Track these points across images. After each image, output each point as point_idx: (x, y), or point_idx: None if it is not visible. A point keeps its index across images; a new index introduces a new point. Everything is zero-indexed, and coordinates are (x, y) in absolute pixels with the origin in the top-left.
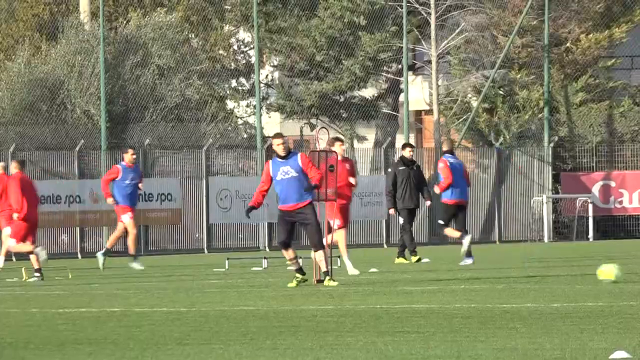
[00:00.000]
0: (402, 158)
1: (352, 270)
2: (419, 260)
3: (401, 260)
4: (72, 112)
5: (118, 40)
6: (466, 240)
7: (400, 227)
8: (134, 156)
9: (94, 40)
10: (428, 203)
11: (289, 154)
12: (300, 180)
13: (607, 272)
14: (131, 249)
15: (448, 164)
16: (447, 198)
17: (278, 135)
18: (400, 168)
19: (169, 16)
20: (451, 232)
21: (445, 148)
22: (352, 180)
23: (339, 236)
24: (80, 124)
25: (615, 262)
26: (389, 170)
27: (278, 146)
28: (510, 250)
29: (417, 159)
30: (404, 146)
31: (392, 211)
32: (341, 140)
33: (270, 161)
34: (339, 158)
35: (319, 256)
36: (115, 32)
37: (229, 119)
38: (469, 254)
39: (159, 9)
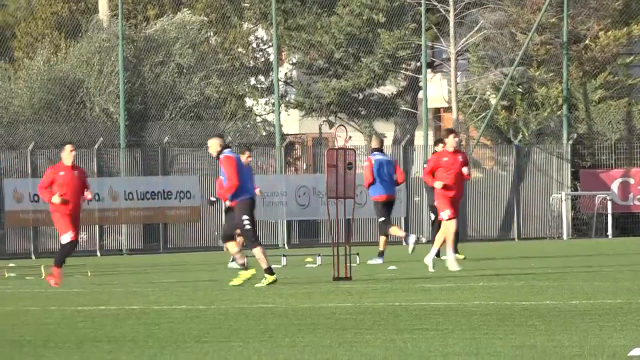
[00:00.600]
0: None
1: (453, 266)
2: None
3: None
4: (91, 111)
5: (138, 38)
6: (411, 240)
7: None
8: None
9: (114, 39)
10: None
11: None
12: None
13: None
14: None
15: (373, 161)
16: (376, 194)
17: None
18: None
19: (193, 16)
20: (396, 231)
21: (374, 145)
22: (464, 170)
23: (449, 227)
24: (99, 122)
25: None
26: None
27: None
28: (529, 248)
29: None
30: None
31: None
32: (455, 133)
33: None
34: (451, 150)
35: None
36: (135, 29)
37: (248, 116)
38: (381, 254)
39: (184, 9)
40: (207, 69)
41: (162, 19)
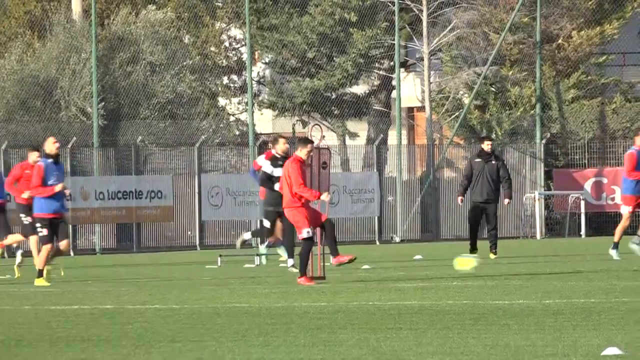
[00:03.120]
0: (480, 150)
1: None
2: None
3: (490, 255)
4: (65, 110)
5: (108, 37)
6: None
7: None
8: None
9: (85, 37)
10: (506, 201)
11: None
12: None
13: (465, 262)
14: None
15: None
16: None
17: None
18: (476, 160)
19: (159, 12)
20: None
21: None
22: None
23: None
24: (74, 121)
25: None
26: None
27: None
28: (502, 247)
29: (409, 156)
30: (482, 139)
31: (459, 199)
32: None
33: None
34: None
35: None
36: (105, 28)
37: (221, 115)
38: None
39: (149, 6)
40: (179, 66)
41: (128, 16)
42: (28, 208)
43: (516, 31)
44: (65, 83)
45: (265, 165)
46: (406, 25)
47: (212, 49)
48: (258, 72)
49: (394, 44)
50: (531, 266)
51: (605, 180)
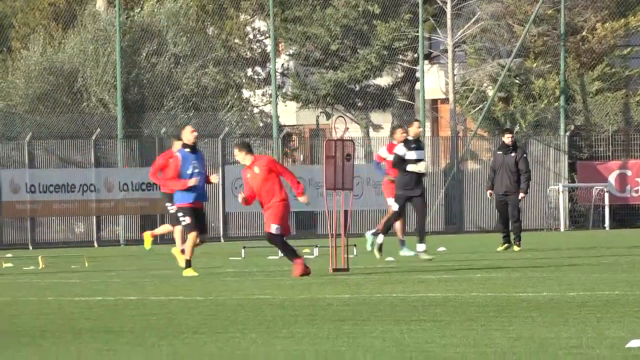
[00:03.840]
0: (502, 143)
1: None
2: (506, 248)
3: (511, 246)
4: (88, 101)
5: (133, 28)
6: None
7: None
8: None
9: (110, 29)
10: (520, 195)
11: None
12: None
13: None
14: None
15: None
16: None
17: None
18: (498, 153)
19: (183, 4)
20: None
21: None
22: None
23: None
24: (96, 113)
25: (631, 251)
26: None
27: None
28: (526, 239)
29: (433, 148)
30: (504, 132)
31: (488, 193)
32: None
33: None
34: None
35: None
36: (130, 20)
37: (245, 107)
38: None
39: None
40: (203, 58)
41: (152, 5)
42: (173, 197)
43: (540, 23)
44: (89, 74)
45: (399, 148)
46: (430, 17)
47: (237, 41)
48: (282, 64)
49: (418, 35)
50: (555, 258)
51: (629, 173)
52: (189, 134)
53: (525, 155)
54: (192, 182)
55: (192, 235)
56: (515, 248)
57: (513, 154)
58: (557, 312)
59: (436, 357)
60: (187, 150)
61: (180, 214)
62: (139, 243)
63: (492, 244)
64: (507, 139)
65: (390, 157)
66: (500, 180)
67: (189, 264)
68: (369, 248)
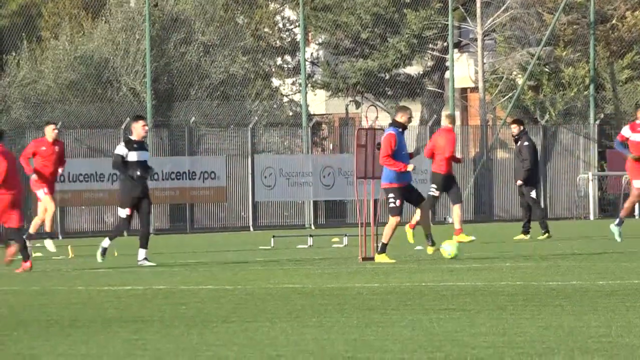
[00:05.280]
0: None
1: None
2: (546, 236)
3: (520, 236)
4: (117, 90)
5: (162, 17)
6: None
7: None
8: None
9: (139, 18)
10: (518, 182)
11: None
12: None
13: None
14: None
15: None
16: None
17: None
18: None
19: None
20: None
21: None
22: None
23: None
24: (125, 102)
25: None
26: None
27: None
28: (556, 228)
29: (463, 137)
30: (510, 123)
31: (517, 182)
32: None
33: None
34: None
35: None
36: (158, 8)
37: (275, 96)
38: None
39: None
40: (231, 47)
41: None
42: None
43: (570, 11)
44: (117, 64)
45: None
46: (459, 6)
47: (266, 29)
48: (312, 53)
49: (448, 24)
50: (585, 247)
51: None
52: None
53: (528, 143)
54: (410, 167)
55: (395, 220)
56: (540, 237)
57: (518, 144)
58: (587, 300)
59: (465, 346)
60: (400, 130)
61: (390, 196)
62: (168, 232)
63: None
64: (513, 129)
65: (635, 137)
66: (517, 170)
67: (384, 248)
68: (618, 239)
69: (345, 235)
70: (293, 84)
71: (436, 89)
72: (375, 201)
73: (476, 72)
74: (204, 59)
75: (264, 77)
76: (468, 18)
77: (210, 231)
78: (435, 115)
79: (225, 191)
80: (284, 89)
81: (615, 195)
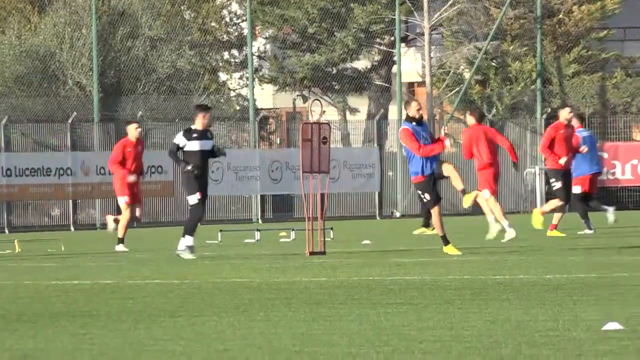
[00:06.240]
0: None
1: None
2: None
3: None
4: (64, 84)
5: (109, 11)
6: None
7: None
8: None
9: (85, 12)
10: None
11: None
12: None
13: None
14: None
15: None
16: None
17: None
18: None
19: None
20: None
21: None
22: None
23: None
24: (72, 96)
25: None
26: None
27: None
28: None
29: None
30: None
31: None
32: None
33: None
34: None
35: None
36: (104, 2)
37: (222, 91)
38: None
39: None
40: (178, 41)
41: None
42: (557, 173)
43: (517, 6)
44: (64, 58)
45: None
46: (406, 0)
47: (213, 24)
48: (259, 47)
49: (395, 18)
50: (532, 241)
51: (605, 155)
52: (414, 110)
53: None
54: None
55: (435, 211)
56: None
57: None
58: (534, 294)
59: (413, 340)
60: (413, 123)
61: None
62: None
63: (469, 228)
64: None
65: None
66: None
67: (446, 240)
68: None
69: (293, 229)
70: (240, 78)
71: (383, 84)
72: (322, 195)
73: (423, 67)
74: (151, 53)
75: (211, 71)
76: (415, 12)
77: (158, 225)
78: (382, 110)
79: (172, 185)
80: (231, 84)
81: None
